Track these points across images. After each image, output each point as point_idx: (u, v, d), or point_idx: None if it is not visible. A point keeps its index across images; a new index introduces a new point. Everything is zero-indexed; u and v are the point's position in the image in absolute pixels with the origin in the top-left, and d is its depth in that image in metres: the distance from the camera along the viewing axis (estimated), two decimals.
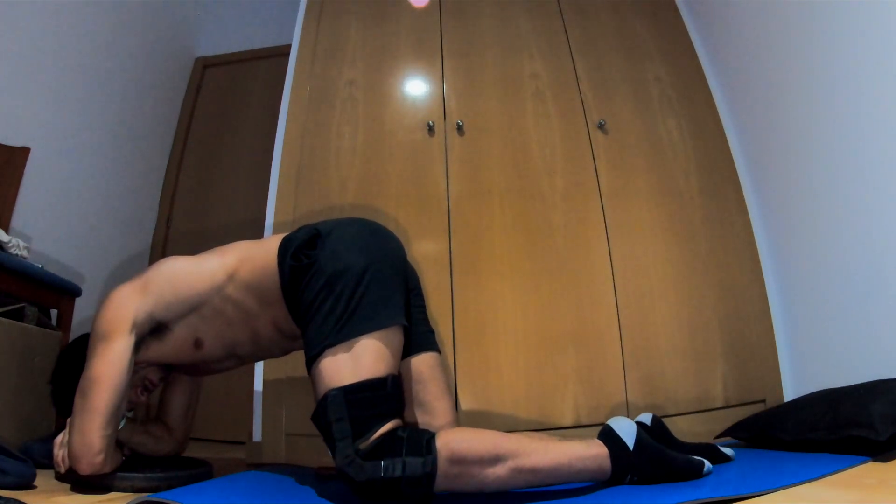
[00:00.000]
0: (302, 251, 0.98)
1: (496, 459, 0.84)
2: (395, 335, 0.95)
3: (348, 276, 0.93)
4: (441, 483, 0.82)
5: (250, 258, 1.05)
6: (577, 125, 1.87)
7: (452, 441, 0.84)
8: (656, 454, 0.91)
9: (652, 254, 1.72)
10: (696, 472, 0.92)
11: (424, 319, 1.16)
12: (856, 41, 1.37)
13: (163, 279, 1.03)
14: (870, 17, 1.31)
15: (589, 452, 0.90)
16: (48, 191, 2.00)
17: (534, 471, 0.86)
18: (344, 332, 0.89)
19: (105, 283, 2.28)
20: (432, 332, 1.16)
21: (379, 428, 0.85)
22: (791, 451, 1.13)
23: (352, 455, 0.83)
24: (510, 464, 0.85)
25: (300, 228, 1.07)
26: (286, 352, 1.18)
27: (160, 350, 1.04)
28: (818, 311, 1.55)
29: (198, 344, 1.05)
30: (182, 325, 1.03)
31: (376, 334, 0.91)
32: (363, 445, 0.83)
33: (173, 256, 1.09)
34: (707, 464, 0.93)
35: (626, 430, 0.93)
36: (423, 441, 0.84)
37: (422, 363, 1.10)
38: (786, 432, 1.16)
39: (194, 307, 1.02)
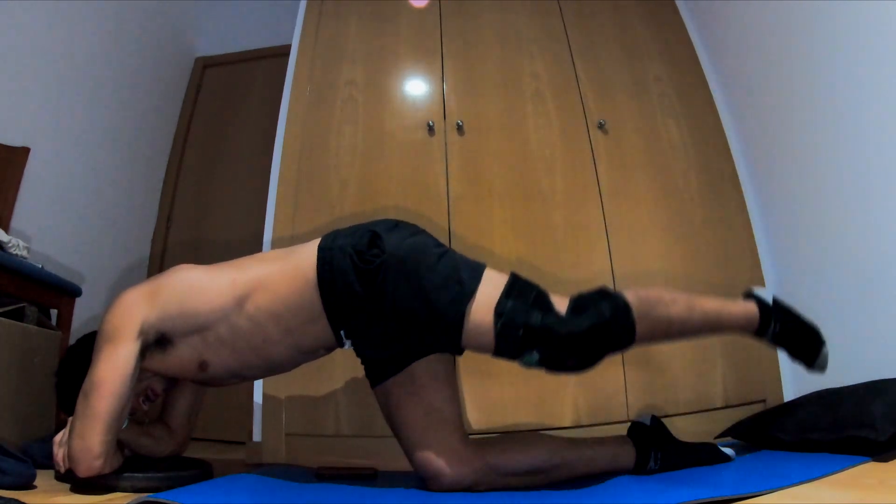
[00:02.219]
0: (367, 254, 0.97)
1: (674, 300, 0.98)
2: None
3: (427, 250, 0.98)
4: (638, 319, 0.92)
5: (269, 284, 0.99)
6: (577, 125, 1.87)
7: (631, 288, 0.97)
8: (792, 313, 1.12)
9: (652, 254, 1.72)
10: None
11: None
12: (856, 41, 1.37)
13: (172, 290, 0.99)
14: (870, 17, 1.31)
15: (740, 308, 1.08)
16: (48, 191, 2.00)
17: (704, 311, 1.01)
18: (470, 285, 0.94)
19: (105, 283, 2.28)
20: None
21: (552, 301, 0.93)
22: (791, 451, 1.13)
23: (564, 318, 0.90)
24: (686, 302, 0.99)
25: (336, 236, 1.03)
26: (298, 365, 1.13)
27: (164, 363, 1.01)
28: (818, 311, 1.54)
29: (203, 367, 1.02)
30: (186, 344, 0.99)
31: (485, 271, 0.98)
32: (563, 311, 0.91)
33: (189, 265, 1.05)
34: (826, 351, 1.11)
35: (764, 294, 1.12)
36: (602, 291, 0.96)
37: (438, 362, 1.09)
38: (786, 432, 1.16)
39: (199, 328, 0.98)
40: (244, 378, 1.11)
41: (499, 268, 1.66)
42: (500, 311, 0.91)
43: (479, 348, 0.96)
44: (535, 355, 0.90)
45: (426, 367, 1.07)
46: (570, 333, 0.88)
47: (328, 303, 0.98)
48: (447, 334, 0.95)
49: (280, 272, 1.00)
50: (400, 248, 0.97)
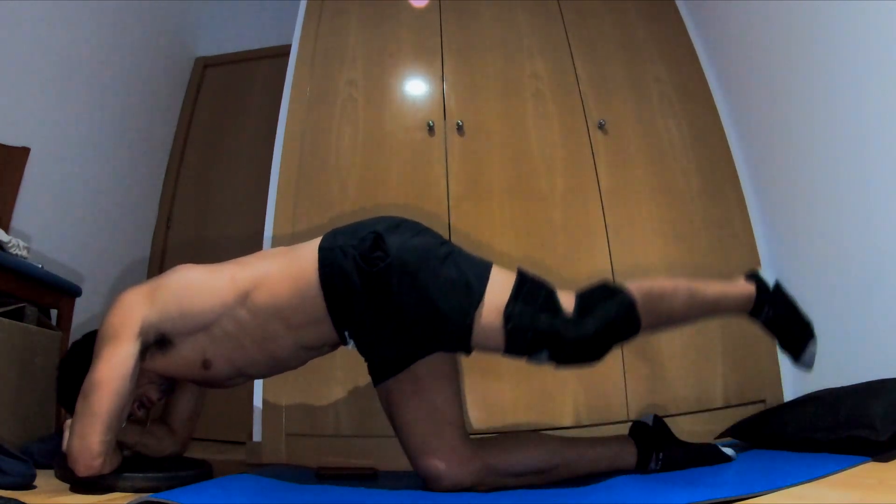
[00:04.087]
0: (370, 256, 0.96)
1: (676, 292, 1.02)
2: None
3: (432, 253, 0.97)
4: (642, 313, 0.95)
5: (270, 282, 0.98)
6: (577, 125, 1.87)
7: (636, 283, 0.99)
8: (789, 301, 1.15)
9: (652, 254, 1.72)
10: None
11: None
12: (856, 41, 1.37)
13: (171, 290, 0.99)
14: (870, 17, 1.31)
15: (738, 289, 1.12)
16: (48, 191, 2.00)
17: (705, 298, 1.06)
18: (478, 290, 0.94)
19: (105, 283, 2.28)
20: None
21: (559, 301, 0.94)
22: (791, 452, 1.13)
23: (571, 321, 0.91)
24: (687, 292, 1.03)
25: (336, 235, 1.03)
26: (304, 363, 1.13)
27: (165, 363, 1.01)
28: (818, 311, 1.54)
29: (206, 365, 1.01)
30: (188, 344, 0.99)
31: (492, 271, 0.98)
32: (569, 314, 0.92)
33: (189, 265, 1.04)
34: (813, 348, 1.15)
35: (768, 278, 1.15)
36: (607, 288, 0.98)
37: (444, 362, 1.09)
38: (786, 432, 1.16)
39: (201, 326, 0.98)
40: (248, 376, 1.11)
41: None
42: (508, 314, 0.92)
43: (489, 349, 0.97)
44: (545, 354, 0.92)
45: (430, 367, 1.07)
46: (579, 337, 0.90)
47: (331, 304, 0.97)
48: (457, 338, 0.95)
49: (280, 271, 1.00)
50: (404, 251, 0.96)
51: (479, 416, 1.52)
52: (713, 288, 1.09)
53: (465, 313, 0.92)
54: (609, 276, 1.67)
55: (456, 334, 0.94)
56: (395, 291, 0.94)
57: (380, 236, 0.98)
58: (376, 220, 1.06)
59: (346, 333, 1.01)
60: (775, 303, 1.12)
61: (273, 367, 1.09)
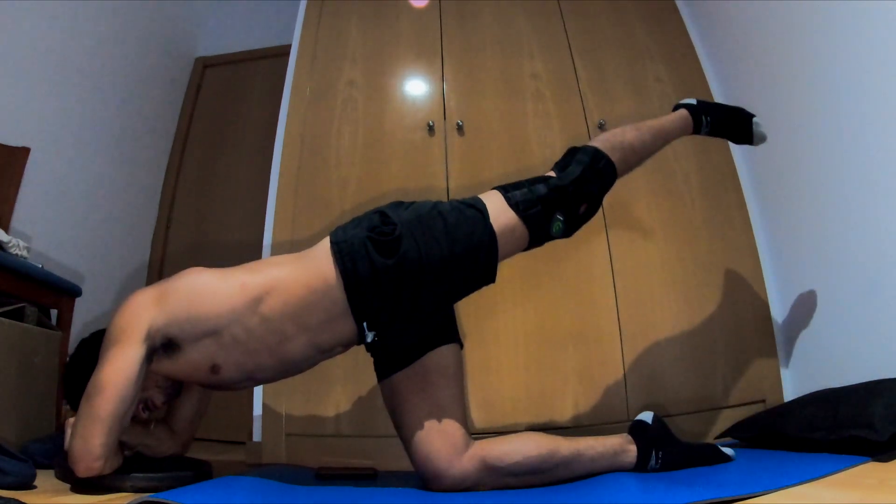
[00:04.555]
0: (380, 228, 1.00)
1: (625, 130, 1.24)
2: None
3: (427, 206, 1.06)
4: (611, 154, 1.15)
5: (284, 287, 0.97)
6: (577, 125, 1.87)
7: (596, 139, 1.20)
8: (722, 108, 1.38)
9: (652, 254, 1.72)
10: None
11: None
12: (856, 40, 1.37)
13: (180, 295, 0.97)
14: (870, 16, 1.31)
15: (675, 119, 1.35)
16: (48, 191, 2.00)
17: (651, 127, 1.28)
18: (478, 205, 1.06)
19: (105, 283, 2.28)
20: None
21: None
22: (791, 452, 1.13)
23: (560, 176, 1.10)
24: (634, 128, 1.25)
25: (345, 228, 1.04)
26: (314, 366, 1.10)
27: (172, 367, 0.99)
28: (818, 311, 1.55)
29: (215, 370, 0.99)
30: (197, 348, 0.97)
31: (479, 196, 1.09)
32: (552, 176, 1.10)
33: (199, 269, 1.03)
34: (757, 120, 1.33)
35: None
36: (571, 149, 1.17)
37: (449, 355, 1.10)
38: (786, 432, 1.16)
39: (210, 332, 0.96)
40: (257, 381, 1.09)
41: (497, 272, 1.66)
42: (514, 203, 1.04)
43: (515, 248, 1.08)
44: (560, 219, 1.07)
45: (436, 361, 1.07)
46: (574, 180, 1.08)
47: (352, 293, 0.97)
48: (487, 256, 1.03)
49: (293, 274, 0.99)
50: (407, 216, 1.03)
51: (479, 416, 1.52)
52: (654, 121, 1.29)
53: (485, 223, 1.02)
54: (609, 275, 1.67)
55: (485, 251, 1.02)
56: (413, 248, 0.98)
57: (383, 213, 1.05)
58: (372, 210, 1.09)
59: (365, 325, 1.00)
60: (707, 112, 1.34)
61: (284, 372, 1.07)
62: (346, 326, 1.00)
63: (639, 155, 1.24)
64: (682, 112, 1.33)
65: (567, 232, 1.11)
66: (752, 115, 1.38)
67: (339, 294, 0.97)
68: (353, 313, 0.99)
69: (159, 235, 2.67)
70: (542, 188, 1.06)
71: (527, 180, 1.10)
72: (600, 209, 1.74)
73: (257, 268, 1.03)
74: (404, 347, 1.08)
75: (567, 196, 1.07)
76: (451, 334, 1.13)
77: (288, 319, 0.97)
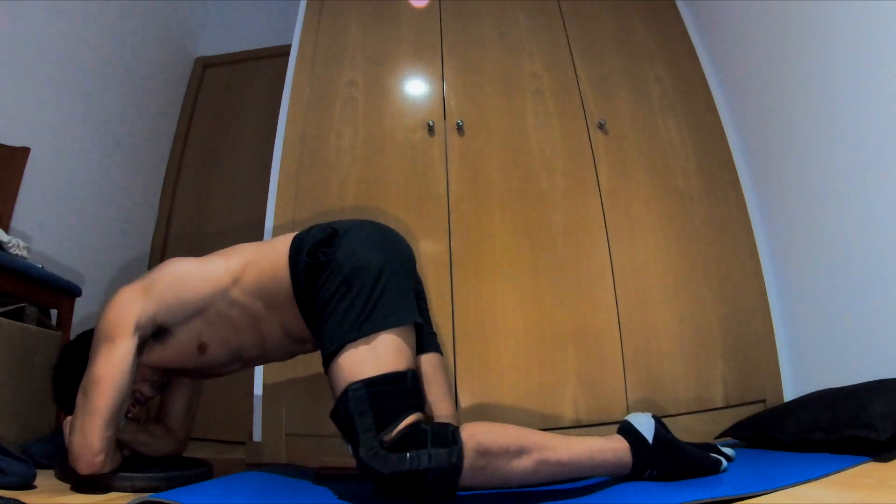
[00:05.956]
0: (319, 248, 0.98)
1: (521, 451, 0.84)
2: (410, 333, 0.96)
3: (366, 273, 0.94)
4: (467, 476, 0.81)
5: (255, 262, 1.03)
6: (577, 125, 1.87)
7: (477, 433, 0.83)
8: (675, 449, 0.93)
9: (652, 254, 1.72)
10: (713, 469, 0.94)
11: (428, 322, 1.20)
12: (856, 40, 1.37)
13: (166, 282, 1.02)
14: (870, 17, 1.31)
15: (609, 446, 0.91)
16: (48, 191, 2.00)
17: (558, 463, 0.86)
18: (364, 328, 0.90)
19: (105, 283, 2.28)
20: (434, 334, 1.19)
21: (402, 421, 0.84)
22: (791, 451, 1.13)
23: (376, 447, 0.81)
24: (535, 456, 0.85)
25: (313, 227, 1.06)
26: (292, 355, 1.17)
27: (163, 354, 1.03)
28: (818, 311, 1.55)
29: (202, 348, 1.04)
30: (185, 330, 1.02)
31: (395, 331, 0.92)
32: (387, 438, 0.82)
33: (178, 258, 1.08)
34: (724, 462, 0.95)
35: (644, 425, 0.95)
36: (448, 433, 0.83)
37: (426, 363, 1.11)
38: (786, 432, 1.16)
39: (198, 311, 1.01)
40: (243, 361, 1.13)
41: (498, 272, 1.65)
42: (348, 388, 0.86)
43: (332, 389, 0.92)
44: (349, 445, 0.85)
45: (418, 368, 1.08)
46: (369, 469, 0.81)
47: (294, 289, 0.99)
48: (323, 356, 0.93)
49: (264, 254, 1.05)
50: (346, 256, 0.95)
51: (478, 415, 1.52)
52: (575, 449, 0.88)
53: (331, 342, 0.90)
54: (609, 275, 1.67)
55: (323, 353, 0.93)
56: (318, 285, 0.96)
57: (336, 234, 1.00)
58: (352, 220, 1.08)
59: None
60: (659, 460, 0.92)
61: (263, 353, 1.11)
62: (300, 317, 1.02)
63: (510, 485, 0.87)
64: (619, 451, 0.92)
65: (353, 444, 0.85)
66: (721, 468, 0.95)
67: (289, 284, 1.00)
68: (298, 308, 1.01)
69: (159, 235, 2.67)
70: (362, 426, 0.82)
71: (399, 403, 0.85)
72: (600, 210, 1.77)
73: (235, 250, 1.09)
74: None
75: (359, 463, 0.83)
76: (427, 345, 1.14)
77: (259, 295, 1.01)
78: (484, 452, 0.82)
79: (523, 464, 0.84)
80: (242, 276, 1.02)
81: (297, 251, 1.00)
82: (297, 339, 1.08)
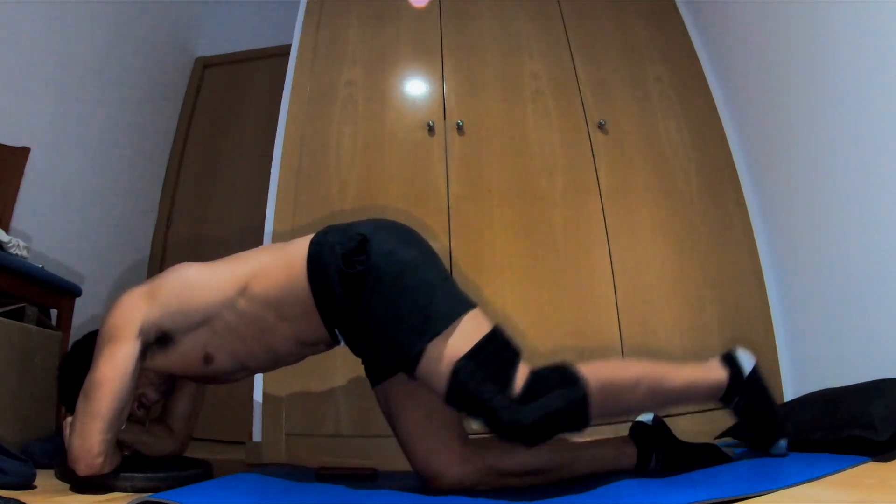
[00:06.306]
0: (352, 259, 0.96)
1: (637, 383, 0.95)
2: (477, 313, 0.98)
3: (412, 270, 0.95)
4: (594, 410, 0.88)
5: (266, 271, 1.00)
6: (577, 125, 1.87)
7: (597, 370, 0.92)
8: (763, 389, 1.05)
9: (652, 254, 1.72)
10: (777, 429, 1.06)
11: None
12: (856, 40, 1.37)
13: (171, 288, 1.00)
14: (870, 17, 1.31)
15: (709, 376, 1.04)
16: (48, 191, 2.00)
17: (667, 392, 0.98)
18: (437, 324, 0.91)
19: (105, 283, 2.28)
20: None
21: (515, 373, 0.88)
22: (791, 452, 1.13)
23: (513, 405, 0.85)
24: (649, 385, 0.96)
25: (328, 231, 1.03)
26: (302, 358, 1.14)
27: (167, 360, 1.02)
28: (818, 311, 1.55)
29: (208, 359, 1.02)
30: (190, 339, 1.00)
31: (466, 314, 0.94)
32: (514, 394, 0.86)
33: (186, 263, 1.05)
34: (783, 444, 1.06)
35: (746, 360, 1.07)
36: (567, 372, 0.90)
37: None
38: (785, 432, 1.16)
39: (203, 321, 0.99)
40: (250, 370, 1.11)
41: (498, 272, 1.65)
42: (457, 368, 0.88)
43: (431, 389, 0.93)
44: (480, 421, 0.89)
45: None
46: (514, 423, 0.85)
47: (318, 299, 0.98)
48: (403, 364, 0.94)
49: (275, 262, 1.02)
50: (385, 261, 0.95)
51: None
52: (681, 376, 1.01)
53: (412, 345, 0.90)
54: (609, 275, 1.67)
55: (402, 360, 0.93)
56: (366, 297, 0.94)
57: (366, 239, 0.98)
58: (371, 221, 1.06)
59: (337, 331, 1.02)
60: (748, 392, 1.04)
61: (274, 361, 1.10)
62: (320, 326, 1.02)
63: (629, 415, 1.04)
64: (720, 378, 1.05)
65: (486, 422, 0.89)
66: (784, 436, 1.07)
67: (308, 294, 0.98)
68: (321, 316, 1.00)
69: (159, 235, 2.67)
70: (487, 392, 0.86)
71: (503, 361, 0.90)
72: (600, 210, 1.76)
73: (243, 256, 1.06)
74: (377, 358, 1.07)
75: (497, 426, 0.87)
76: None
77: (268, 307, 0.99)
78: (604, 387, 0.90)
79: (638, 394, 0.95)
80: (250, 285, 0.99)
81: (318, 261, 0.97)
82: (310, 344, 1.06)
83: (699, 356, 1.61)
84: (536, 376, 0.89)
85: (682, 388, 0.99)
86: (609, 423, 1.00)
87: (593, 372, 0.90)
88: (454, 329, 0.91)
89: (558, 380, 0.89)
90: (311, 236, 1.05)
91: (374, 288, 0.93)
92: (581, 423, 0.87)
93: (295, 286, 0.98)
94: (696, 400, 1.05)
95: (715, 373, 1.05)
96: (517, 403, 0.85)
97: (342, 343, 1.05)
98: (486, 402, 0.86)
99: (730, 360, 1.07)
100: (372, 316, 0.94)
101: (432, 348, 0.90)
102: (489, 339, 0.91)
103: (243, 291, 0.99)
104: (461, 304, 0.95)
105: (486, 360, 0.89)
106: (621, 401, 0.94)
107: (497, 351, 0.91)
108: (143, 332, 0.96)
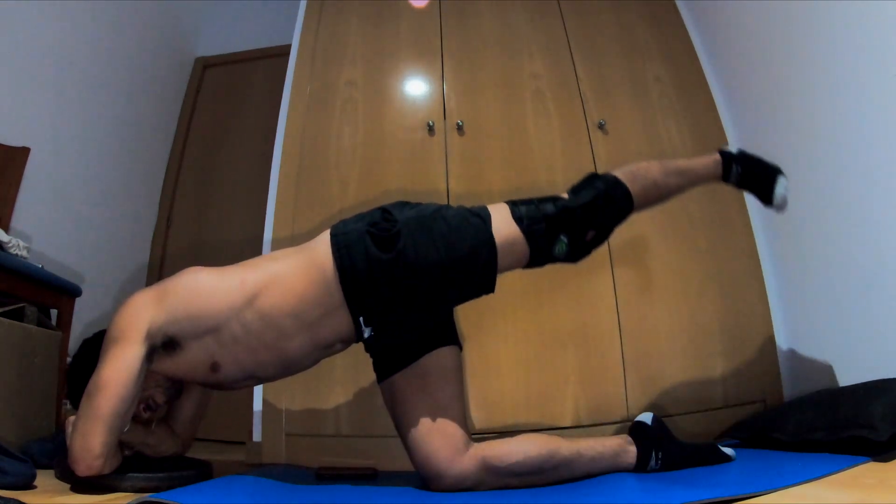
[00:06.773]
0: (380, 225, 1.00)
1: (650, 166, 1.19)
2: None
3: (431, 209, 1.06)
4: (631, 186, 1.12)
5: (279, 281, 0.98)
6: (577, 125, 1.87)
7: (614, 170, 1.16)
8: (753, 156, 1.30)
9: (651, 253, 1.72)
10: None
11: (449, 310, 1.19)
12: (856, 41, 1.37)
13: (179, 293, 0.98)
14: (870, 17, 1.31)
15: (704, 157, 1.31)
16: (48, 191, 2.00)
17: (677, 167, 1.24)
18: (482, 213, 1.05)
19: (105, 283, 2.28)
20: (454, 323, 1.18)
21: (557, 196, 1.11)
22: (791, 451, 1.13)
23: (571, 198, 1.08)
24: (660, 165, 1.20)
25: (344, 223, 1.06)
26: (314, 364, 1.10)
27: (172, 366, 1.00)
28: (818, 311, 1.55)
29: (214, 368, 1.00)
30: (197, 346, 0.98)
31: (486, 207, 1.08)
32: (559, 200, 1.07)
33: (197, 268, 1.03)
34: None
35: (733, 148, 1.30)
36: (591, 174, 1.15)
37: (443, 359, 1.09)
38: (785, 432, 1.16)
39: (209, 329, 0.97)
40: (259, 379, 1.09)
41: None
42: (518, 216, 1.03)
43: (515, 263, 1.06)
44: (564, 241, 1.05)
45: (436, 362, 1.07)
46: (583, 204, 1.06)
47: (348, 287, 0.97)
48: (486, 265, 1.01)
49: (292, 267, 1.00)
50: (410, 214, 1.04)
51: (479, 416, 1.52)
52: (681, 160, 1.27)
53: (486, 232, 1.00)
54: (609, 275, 1.67)
55: (484, 261, 1.00)
56: (410, 247, 0.97)
57: (385, 209, 1.05)
58: (376, 207, 1.09)
59: (362, 320, 1.00)
60: (741, 161, 1.28)
61: (285, 369, 1.07)
62: (344, 320, 1.00)
63: (661, 191, 1.20)
64: (714, 157, 1.29)
65: (571, 256, 1.08)
66: (782, 172, 1.29)
67: (335, 287, 0.98)
68: (348, 307, 0.99)
69: (159, 235, 2.67)
70: (549, 207, 1.05)
71: (537, 198, 1.08)
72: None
73: (256, 263, 1.04)
74: (403, 348, 1.08)
75: (574, 219, 1.05)
76: (450, 336, 1.12)
77: (286, 315, 0.97)
78: (627, 173, 1.14)
79: (655, 171, 1.18)
80: (261, 296, 0.97)
81: (346, 245, 0.99)
82: (326, 346, 1.04)
83: (699, 357, 1.62)
84: (573, 185, 1.13)
85: (685, 165, 1.25)
86: (646, 203, 1.18)
87: (612, 170, 1.15)
88: (491, 212, 1.05)
89: (590, 178, 1.14)
90: (327, 233, 1.04)
91: (415, 234, 0.98)
92: (626, 195, 1.11)
93: (318, 284, 0.98)
94: (702, 176, 1.27)
95: (709, 156, 1.29)
96: (573, 197, 1.08)
97: (367, 333, 1.02)
98: (556, 210, 1.05)
99: (718, 151, 1.30)
100: (429, 260, 0.97)
101: (492, 230, 1.01)
102: (511, 201, 1.08)
103: (252, 302, 0.97)
104: (476, 206, 1.09)
105: (526, 201, 1.07)
106: (645, 178, 1.16)
107: (525, 199, 1.08)
108: (149, 336, 0.95)
